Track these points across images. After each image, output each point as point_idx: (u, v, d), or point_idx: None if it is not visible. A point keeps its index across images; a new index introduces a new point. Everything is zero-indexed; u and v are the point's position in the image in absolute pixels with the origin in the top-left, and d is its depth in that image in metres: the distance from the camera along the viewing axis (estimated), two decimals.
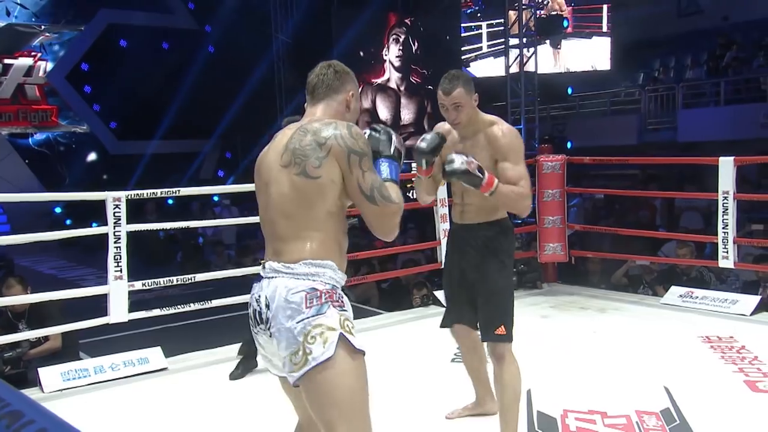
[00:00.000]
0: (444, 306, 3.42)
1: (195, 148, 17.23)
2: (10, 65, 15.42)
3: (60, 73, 16.03)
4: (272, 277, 2.00)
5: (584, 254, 6.97)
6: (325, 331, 1.92)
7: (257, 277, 2.07)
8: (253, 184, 2.21)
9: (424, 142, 2.81)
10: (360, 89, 2.42)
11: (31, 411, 1.12)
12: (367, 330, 5.11)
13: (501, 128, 2.95)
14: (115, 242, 4.46)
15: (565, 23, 13.81)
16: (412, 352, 4.61)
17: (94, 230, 4.87)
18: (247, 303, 2.11)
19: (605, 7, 16.50)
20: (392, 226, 2.06)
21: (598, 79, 16.44)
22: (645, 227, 9.22)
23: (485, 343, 3.05)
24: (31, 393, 3.89)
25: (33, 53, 15.77)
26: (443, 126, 3.07)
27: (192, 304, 4.90)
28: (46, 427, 1.05)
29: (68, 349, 4.81)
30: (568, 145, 14.06)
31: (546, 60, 15.36)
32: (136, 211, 6.22)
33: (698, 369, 4.10)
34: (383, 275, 7.20)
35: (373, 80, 14.25)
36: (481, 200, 2.93)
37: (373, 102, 14.28)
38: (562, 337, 4.88)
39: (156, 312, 4.76)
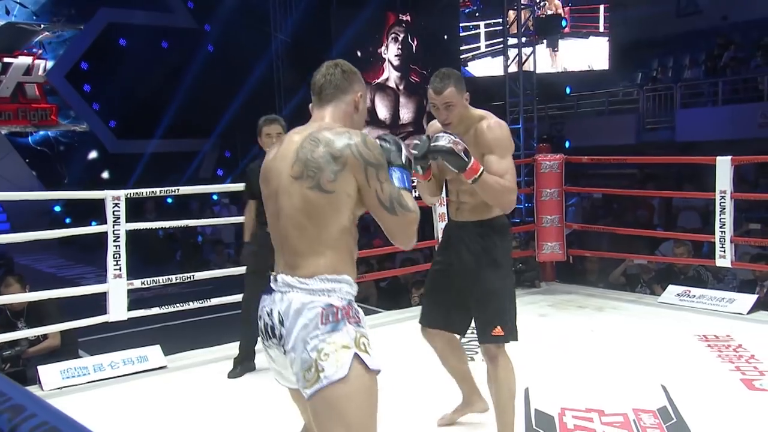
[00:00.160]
0: None
1: (194, 147, 17.24)
2: (10, 64, 15.43)
3: (59, 72, 16.03)
4: (286, 292, 1.94)
5: (582, 253, 6.99)
6: (340, 349, 1.87)
7: (267, 289, 2.02)
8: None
9: (415, 149, 2.71)
10: None
11: (33, 405, 1.14)
12: None
13: (488, 122, 2.89)
14: (114, 241, 4.48)
15: (564, 23, 13.84)
16: (411, 350, 4.62)
17: (94, 229, 4.89)
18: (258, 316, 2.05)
19: (602, 7, 16.55)
20: (412, 233, 2.03)
21: (596, 79, 16.46)
22: (643, 226, 9.26)
23: (482, 347, 2.98)
24: (30, 391, 3.90)
25: (33, 52, 15.78)
26: (434, 125, 3.02)
27: (191, 303, 4.92)
28: (48, 420, 1.06)
29: (67, 348, 4.82)
30: (567, 144, 14.12)
31: (543, 60, 15.39)
32: (136, 209, 6.22)
33: (695, 367, 4.11)
34: (382, 274, 7.21)
35: (371, 80, 14.26)
36: (476, 198, 2.90)
37: (372, 101, 14.29)
38: (560, 335, 4.90)
39: (155, 310, 4.78)
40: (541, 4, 14.49)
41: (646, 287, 6.51)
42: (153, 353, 4.48)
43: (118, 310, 4.52)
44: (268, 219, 2.07)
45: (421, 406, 3.59)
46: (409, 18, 14.80)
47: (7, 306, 4.73)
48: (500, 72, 13.05)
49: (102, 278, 4.60)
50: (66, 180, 16.12)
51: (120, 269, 4.51)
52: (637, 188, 10.67)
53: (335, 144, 1.93)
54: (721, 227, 5.33)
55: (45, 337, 4.73)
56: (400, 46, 14.70)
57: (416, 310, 5.74)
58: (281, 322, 1.93)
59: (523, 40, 12.53)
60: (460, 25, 16.53)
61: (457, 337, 3.20)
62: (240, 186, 4.73)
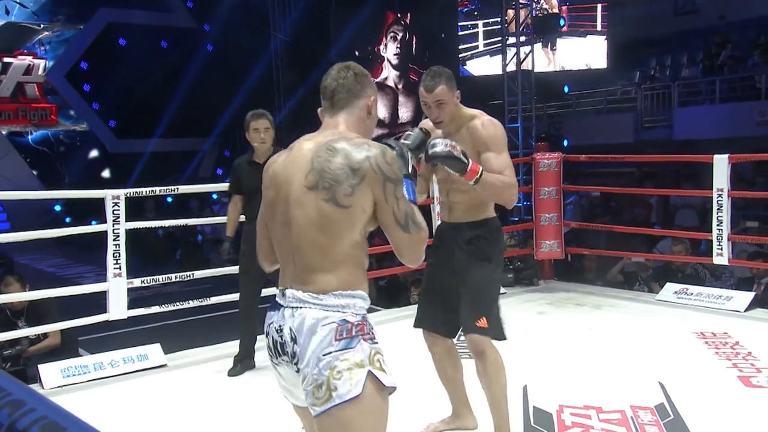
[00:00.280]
0: None
1: (194, 147, 17.26)
2: (10, 64, 15.46)
3: (59, 71, 16.06)
4: (297, 308, 1.86)
5: (580, 251, 7.01)
6: (354, 367, 1.80)
7: (273, 304, 1.94)
8: None
9: (407, 139, 2.65)
10: None
11: (32, 400, 1.15)
12: None
13: (482, 120, 2.89)
14: (114, 240, 4.50)
15: (562, 22, 13.85)
16: (411, 349, 4.63)
17: (94, 228, 4.90)
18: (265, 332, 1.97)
19: (600, 6, 16.58)
20: (421, 252, 1.95)
21: (594, 78, 16.48)
22: (641, 225, 9.29)
23: (467, 339, 2.93)
24: (30, 387, 3.91)
25: (33, 51, 15.79)
26: (426, 123, 2.99)
27: (191, 301, 4.94)
28: (47, 415, 1.08)
29: (67, 346, 4.83)
30: (565, 143, 14.13)
31: (540, 59, 15.42)
32: (135, 209, 6.24)
33: (693, 365, 4.13)
34: (381, 272, 7.21)
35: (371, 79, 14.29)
36: (468, 198, 2.90)
37: None
38: (558, 333, 4.92)
39: (155, 309, 4.80)
40: (539, 3, 14.48)
41: (644, 285, 6.53)
42: (153, 352, 4.49)
43: (118, 308, 4.54)
44: (274, 227, 1.98)
45: (421, 405, 3.56)
46: (408, 17, 14.82)
47: (8, 305, 4.74)
48: (498, 71, 13.06)
49: (102, 277, 4.62)
50: (66, 179, 16.15)
51: (120, 268, 4.52)
52: (635, 186, 10.70)
53: (354, 156, 1.85)
54: (718, 225, 5.35)
55: (45, 335, 4.74)
56: (398, 45, 14.73)
57: (415, 309, 5.78)
58: (294, 340, 1.84)
59: (522, 39, 12.54)
60: (459, 24, 16.58)
61: (453, 340, 3.19)
62: None
